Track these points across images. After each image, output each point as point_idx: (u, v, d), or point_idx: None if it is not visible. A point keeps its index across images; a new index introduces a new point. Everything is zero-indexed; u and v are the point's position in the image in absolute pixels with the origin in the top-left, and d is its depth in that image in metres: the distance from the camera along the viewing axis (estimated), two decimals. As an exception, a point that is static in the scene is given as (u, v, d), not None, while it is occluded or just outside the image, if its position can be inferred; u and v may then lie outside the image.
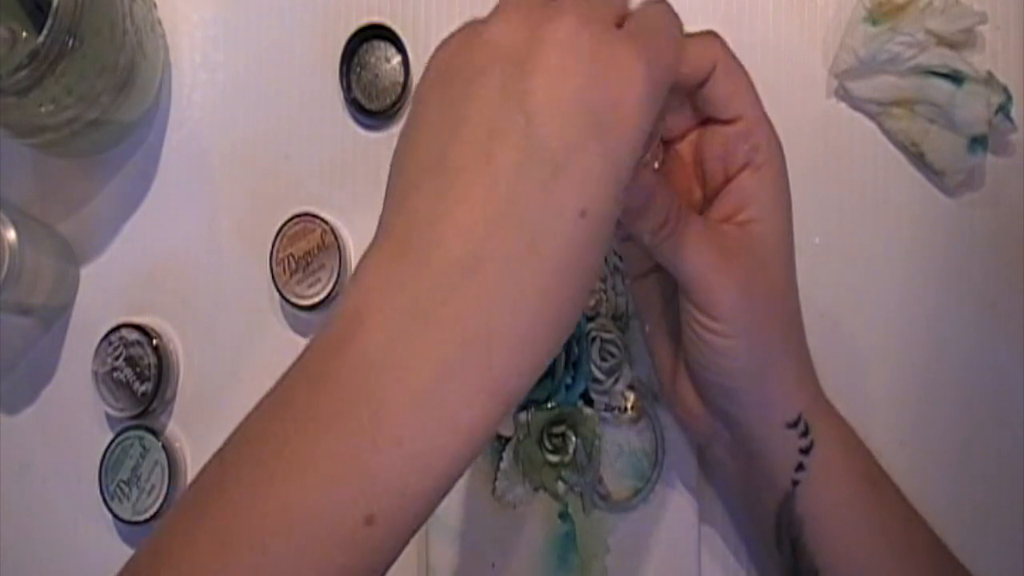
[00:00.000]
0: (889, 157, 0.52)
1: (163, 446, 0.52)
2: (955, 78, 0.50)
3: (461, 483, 0.50)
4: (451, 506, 0.50)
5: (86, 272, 0.55)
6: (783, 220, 0.42)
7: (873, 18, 0.51)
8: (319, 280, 0.52)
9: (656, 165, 0.43)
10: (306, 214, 0.52)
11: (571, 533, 0.50)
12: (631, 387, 0.50)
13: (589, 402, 0.50)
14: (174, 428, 0.54)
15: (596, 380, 0.50)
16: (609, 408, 0.50)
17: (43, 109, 0.47)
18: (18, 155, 0.55)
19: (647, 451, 0.50)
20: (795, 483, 0.42)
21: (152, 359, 0.52)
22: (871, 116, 0.52)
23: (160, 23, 0.55)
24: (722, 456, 0.46)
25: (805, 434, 0.42)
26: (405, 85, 0.54)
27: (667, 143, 0.44)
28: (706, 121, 0.42)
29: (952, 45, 0.51)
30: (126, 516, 0.52)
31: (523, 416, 0.50)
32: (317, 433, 0.30)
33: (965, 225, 0.52)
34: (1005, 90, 0.50)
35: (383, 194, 0.34)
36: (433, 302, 0.30)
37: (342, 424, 0.30)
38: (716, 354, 0.41)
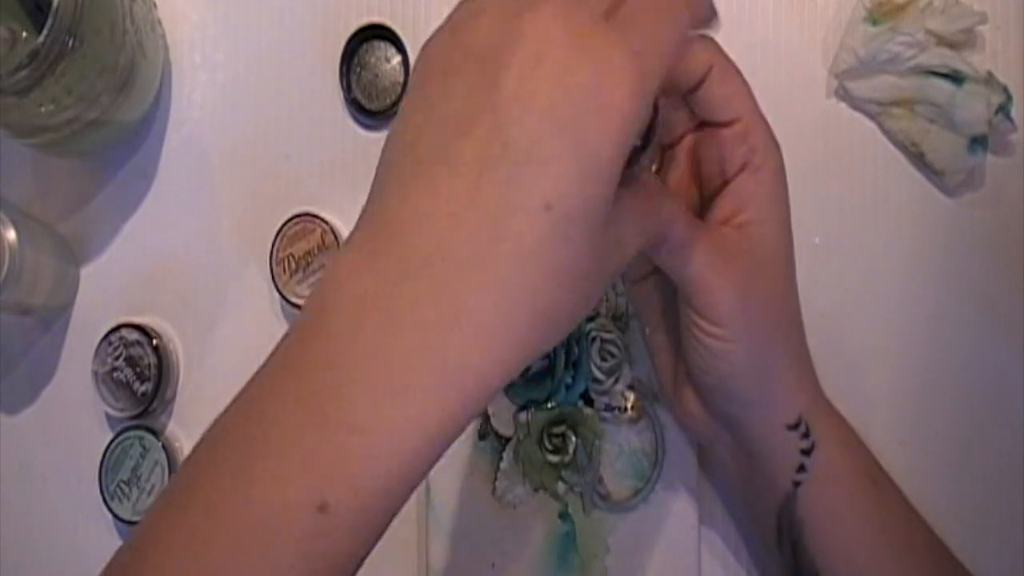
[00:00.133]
0: (889, 157, 0.52)
1: (163, 446, 0.52)
2: (955, 78, 0.50)
3: (461, 483, 0.50)
4: (451, 506, 0.50)
5: (86, 272, 0.55)
6: (782, 221, 0.42)
7: (873, 18, 0.51)
8: (319, 280, 0.52)
9: (653, 168, 0.43)
10: (306, 214, 0.52)
11: (571, 533, 0.50)
12: (631, 387, 0.50)
13: (589, 402, 0.50)
14: (174, 428, 0.54)
15: (596, 380, 0.50)
16: (609, 408, 0.50)
17: (43, 109, 0.47)
18: (18, 155, 0.55)
19: (647, 451, 0.50)
20: (796, 484, 0.42)
21: (152, 359, 0.52)
22: (871, 116, 0.52)
23: (160, 23, 0.55)
24: (723, 457, 0.46)
25: (806, 435, 0.42)
26: (405, 85, 0.54)
27: (664, 147, 0.44)
28: (702, 125, 0.42)
29: (952, 45, 0.51)
30: (126, 516, 0.52)
31: (523, 416, 0.50)
32: (277, 422, 0.30)
33: (965, 225, 0.52)
34: (1005, 90, 0.50)
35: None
36: (394, 293, 0.30)
37: (301, 413, 0.30)
38: (716, 358, 0.41)
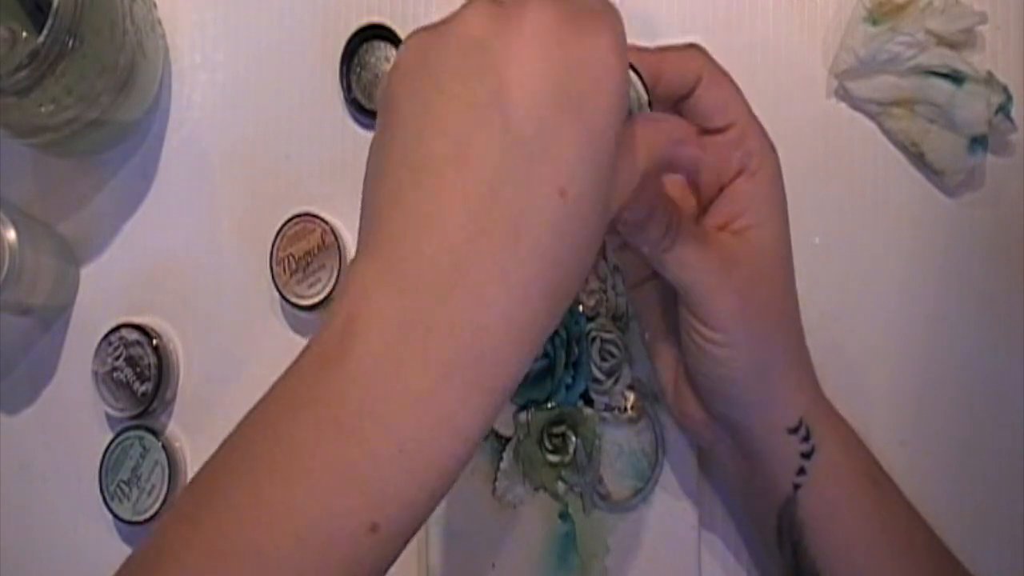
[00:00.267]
0: (889, 157, 0.52)
1: (163, 446, 0.52)
2: (955, 78, 0.50)
3: (461, 483, 0.50)
4: (451, 506, 0.50)
5: (86, 272, 0.55)
6: (780, 224, 0.42)
7: (873, 18, 0.51)
8: (319, 280, 0.52)
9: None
10: (306, 214, 0.52)
11: (571, 533, 0.50)
12: (631, 387, 0.50)
13: (589, 402, 0.50)
14: (174, 428, 0.54)
15: (596, 380, 0.50)
16: (609, 408, 0.50)
17: (43, 109, 0.47)
18: (18, 155, 0.55)
19: (647, 451, 0.50)
20: (796, 487, 0.42)
21: (152, 359, 0.52)
22: (871, 116, 0.52)
23: (160, 23, 0.55)
24: (723, 459, 0.46)
25: (806, 438, 0.42)
26: (405, 85, 0.54)
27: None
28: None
29: (952, 45, 0.51)
30: (126, 516, 0.52)
31: (523, 416, 0.50)
32: (319, 443, 0.29)
33: (965, 225, 0.52)
34: (1005, 90, 0.50)
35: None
36: (425, 307, 0.30)
37: (344, 434, 0.29)
38: (717, 363, 0.41)
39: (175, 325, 0.54)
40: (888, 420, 0.50)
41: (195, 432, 0.54)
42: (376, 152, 0.33)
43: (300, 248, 0.52)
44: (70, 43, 0.45)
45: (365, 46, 0.54)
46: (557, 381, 0.50)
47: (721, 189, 0.42)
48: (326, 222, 0.52)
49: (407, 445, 0.29)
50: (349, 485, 0.29)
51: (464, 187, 0.30)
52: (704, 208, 0.43)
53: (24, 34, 0.51)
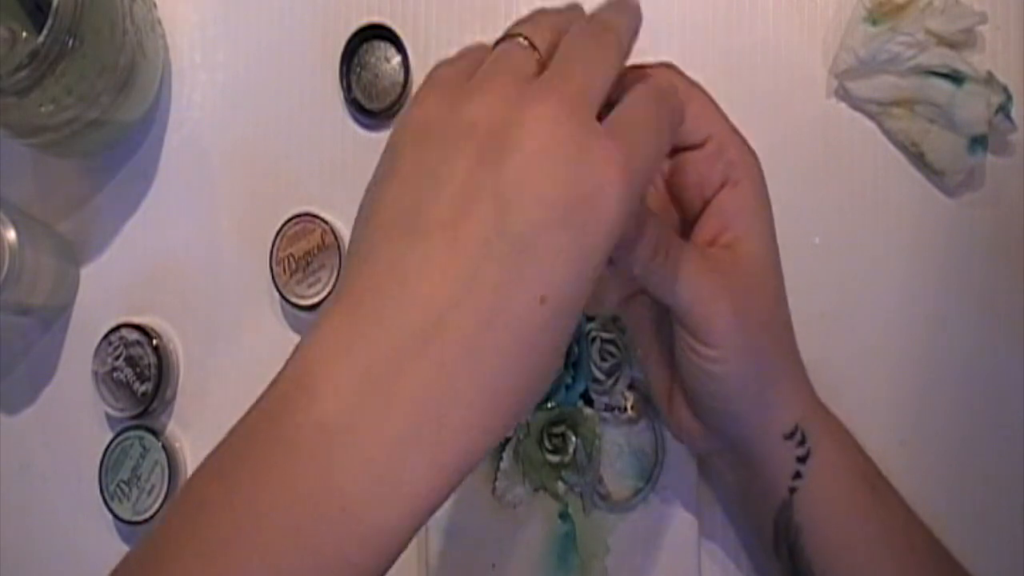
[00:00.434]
0: (889, 157, 0.52)
1: (163, 446, 0.52)
2: (955, 78, 0.50)
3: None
4: (451, 506, 0.50)
5: (86, 272, 0.55)
6: (767, 232, 0.42)
7: (873, 18, 0.51)
8: (319, 280, 0.52)
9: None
10: (306, 214, 0.52)
11: (571, 533, 0.50)
12: (631, 387, 0.50)
13: (589, 402, 0.50)
14: (174, 428, 0.54)
15: (596, 380, 0.50)
16: (609, 408, 0.50)
17: (43, 109, 0.47)
18: (18, 155, 0.55)
19: (647, 451, 0.50)
20: (792, 490, 0.42)
21: (152, 359, 0.52)
22: (871, 116, 0.52)
23: (160, 23, 0.55)
24: (720, 467, 0.46)
25: (802, 443, 0.42)
26: (405, 85, 0.54)
27: None
28: (675, 151, 0.41)
29: (952, 45, 0.51)
30: (126, 516, 0.52)
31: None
32: (267, 499, 0.29)
33: (965, 225, 0.52)
34: (1005, 90, 0.50)
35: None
36: (388, 372, 0.30)
37: (290, 491, 0.29)
38: (712, 378, 0.41)
39: (175, 325, 0.54)
40: (888, 420, 0.50)
41: (195, 432, 0.54)
42: (371, 197, 0.33)
43: (300, 248, 0.52)
44: (70, 43, 0.45)
45: (365, 46, 0.54)
46: (557, 381, 0.50)
47: (705, 204, 0.41)
48: (326, 222, 0.52)
49: (351, 507, 0.29)
50: (290, 545, 0.28)
51: (448, 259, 0.30)
52: (689, 226, 0.42)
53: (24, 34, 0.51)
